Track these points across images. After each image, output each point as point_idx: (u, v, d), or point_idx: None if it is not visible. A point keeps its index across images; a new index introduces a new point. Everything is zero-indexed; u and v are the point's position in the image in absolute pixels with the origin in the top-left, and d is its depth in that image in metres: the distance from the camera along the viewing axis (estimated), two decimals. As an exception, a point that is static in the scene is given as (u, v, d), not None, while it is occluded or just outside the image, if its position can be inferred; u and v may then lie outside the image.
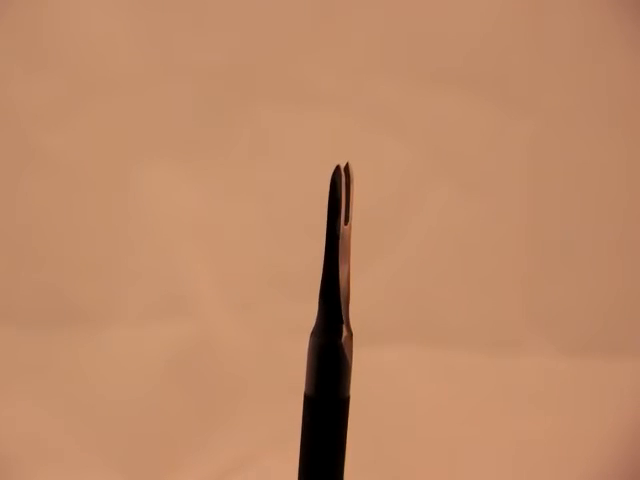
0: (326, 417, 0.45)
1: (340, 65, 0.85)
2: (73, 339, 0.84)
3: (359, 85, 0.85)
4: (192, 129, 0.85)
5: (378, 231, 0.85)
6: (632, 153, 0.87)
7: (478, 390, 0.86)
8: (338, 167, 0.44)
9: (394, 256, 0.86)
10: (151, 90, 0.84)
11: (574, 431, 0.84)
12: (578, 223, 0.87)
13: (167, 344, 0.85)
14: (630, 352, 0.86)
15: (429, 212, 0.87)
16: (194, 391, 0.84)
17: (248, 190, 0.86)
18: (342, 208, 0.44)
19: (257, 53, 0.84)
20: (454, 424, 0.85)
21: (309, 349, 0.45)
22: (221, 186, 0.86)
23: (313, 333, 0.45)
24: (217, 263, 0.86)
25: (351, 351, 0.45)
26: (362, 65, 0.85)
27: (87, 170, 0.84)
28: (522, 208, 0.87)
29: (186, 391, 0.84)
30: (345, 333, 0.44)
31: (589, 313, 0.87)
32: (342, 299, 0.44)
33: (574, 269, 0.87)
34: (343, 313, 0.44)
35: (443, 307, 0.87)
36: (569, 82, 0.86)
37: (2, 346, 0.83)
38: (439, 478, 0.83)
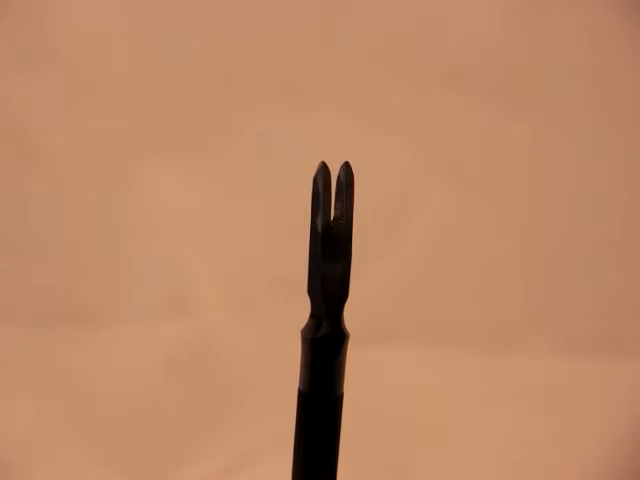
0: (311, 413, 0.45)
1: (340, 65, 0.85)
2: (73, 339, 0.84)
3: (359, 85, 0.85)
4: (192, 129, 0.85)
5: (378, 231, 0.85)
6: (633, 153, 0.87)
7: (478, 390, 0.86)
8: (321, 163, 0.44)
9: (394, 256, 0.86)
10: (151, 90, 0.84)
11: (574, 431, 0.84)
12: (578, 223, 0.87)
13: (167, 344, 0.85)
14: (630, 352, 0.86)
15: (430, 212, 0.87)
16: (194, 391, 0.84)
17: (248, 190, 0.86)
18: (321, 204, 0.44)
19: (257, 53, 0.84)
20: (453, 424, 0.85)
21: None
22: (221, 186, 0.86)
23: (302, 329, 0.45)
24: (217, 263, 0.86)
25: (335, 348, 0.45)
26: (363, 65, 0.85)
27: (87, 170, 0.84)
28: (523, 208, 0.87)
29: (186, 391, 0.84)
30: (325, 330, 0.44)
31: (589, 313, 0.87)
32: (325, 296, 0.44)
33: (574, 269, 0.87)
34: (326, 310, 0.44)
35: (443, 307, 0.87)
36: (570, 83, 0.86)
37: (2, 346, 0.83)
38: (438, 478, 0.83)
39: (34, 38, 0.82)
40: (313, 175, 0.44)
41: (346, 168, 0.45)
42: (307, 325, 0.45)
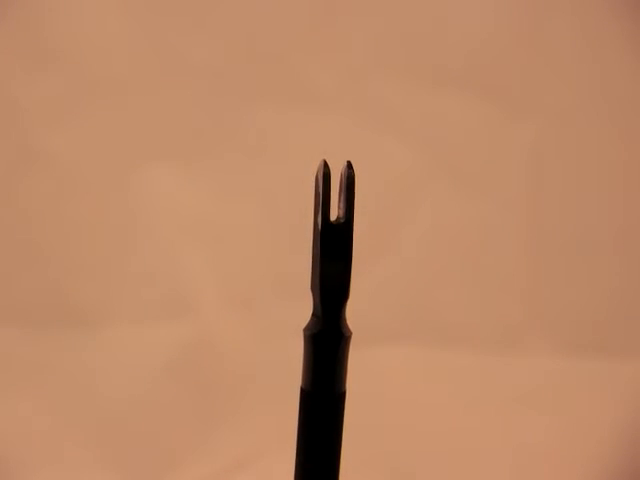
0: (313, 411, 0.45)
1: (340, 65, 0.85)
2: (73, 339, 0.84)
3: (359, 85, 0.85)
4: (193, 129, 0.85)
5: (378, 231, 0.85)
6: (632, 154, 0.87)
7: (478, 390, 0.86)
8: (322, 162, 0.44)
9: (394, 256, 0.87)
10: (151, 91, 0.84)
11: (574, 431, 0.84)
12: (578, 223, 0.87)
13: (167, 344, 0.85)
14: (630, 352, 0.86)
15: (429, 212, 0.87)
16: (194, 391, 0.84)
17: (248, 190, 0.86)
18: (320, 203, 0.44)
19: (258, 53, 0.85)
20: (453, 424, 0.85)
21: None
22: (221, 186, 0.86)
23: (304, 327, 0.46)
24: (217, 263, 0.86)
25: (334, 344, 0.45)
26: (362, 65, 0.85)
27: (88, 170, 0.84)
28: (522, 208, 0.87)
29: (186, 391, 0.84)
30: (323, 326, 0.45)
31: (589, 313, 0.87)
32: (324, 293, 0.44)
33: (574, 269, 0.87)
34: (324, 307, 0.44)
35: (443, 307, 0.87)
36: (570, 83, 0.86)
37: (2, 346, 0.83)
38: (438, 477, 0.83)
39: (35, 39, 0.82)
40: (315, 174, 0.44)
41: (348, 167, 0.45)
42: (308, 323, 0.45)
